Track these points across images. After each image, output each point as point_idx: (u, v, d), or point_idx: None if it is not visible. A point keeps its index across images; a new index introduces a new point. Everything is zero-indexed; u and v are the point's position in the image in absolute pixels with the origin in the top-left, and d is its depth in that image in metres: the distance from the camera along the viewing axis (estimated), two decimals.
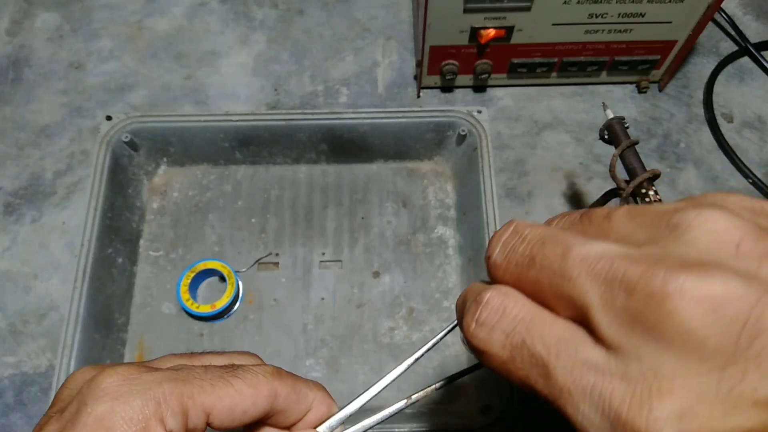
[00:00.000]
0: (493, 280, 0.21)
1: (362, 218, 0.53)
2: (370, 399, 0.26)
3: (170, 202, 0.54)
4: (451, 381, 0.26)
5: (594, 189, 0.55)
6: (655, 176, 0.40)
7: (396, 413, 0.26)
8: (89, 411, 0.20)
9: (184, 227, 0.53)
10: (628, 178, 0.41)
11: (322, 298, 0.50)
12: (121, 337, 0.49)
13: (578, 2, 0.49)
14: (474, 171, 0.51)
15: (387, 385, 0.26)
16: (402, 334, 0.49)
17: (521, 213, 0.54)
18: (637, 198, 0.40)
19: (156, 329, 0.49)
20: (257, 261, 0.51)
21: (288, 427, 0.25)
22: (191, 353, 0.26)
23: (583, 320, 0.18)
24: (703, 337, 0.15)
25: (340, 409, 0.26)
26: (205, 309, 0.48)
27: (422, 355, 0.26)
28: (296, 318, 0.50)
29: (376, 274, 0.51)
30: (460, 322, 0.21)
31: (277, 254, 0.52)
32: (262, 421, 0.24)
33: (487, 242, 0.47)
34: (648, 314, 0.16)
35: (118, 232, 0.50)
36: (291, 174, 0.55)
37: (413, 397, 0.26)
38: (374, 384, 0.26)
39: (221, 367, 0.23)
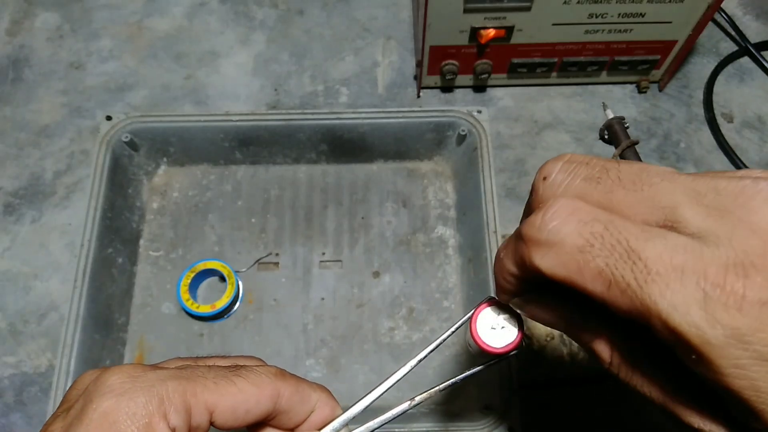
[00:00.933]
0: (543, 201, 0.21)
1: (362, 218, 0.53)
2: (374, 401, 0.26)
3: (170, 202, 0.54)
4: (454, 384, 0.26)
5: None
6: None
7: (399, 415, 0.26)
8: (94, 407, 0.20)
9: (184, 227, 0.53)
10: None
11: (322, 298, 0.50)
12: (121, 337, 0.49)
13: (578, 2, 0.49)
14: (474, 171, 0.51)
15: (389, 388, 0.26)
16: (402, 334, 0.49)
17: (521, 213, 0.54)
18: None
19: (156, 329, 0.49)
20: (257, 261, 0.51)
21: (291, 429, 0.25)
22: (196, 357, 0.26)
23: (666, 221, 0.18)
24: None
25: (344, 410, 0.26)
26: (205, 309, 0.48)
27: (425, 356, 0.26)
28: (296, 318, 0.50)
29: (376, 274, 0.51)
30: (518, 240, 0.20)
31: (277, 254, 0.52)
32: (266, 422, 0.24)
33: (487, 242, 0.47)
34: (737, 207, 0.17)
35: (118, 232, 0.50)
36: (291, 174, 0.55)
37: (417, 398, 0.26)
38: (377, 386, 0.26)
39: (225, 366, 0.24)
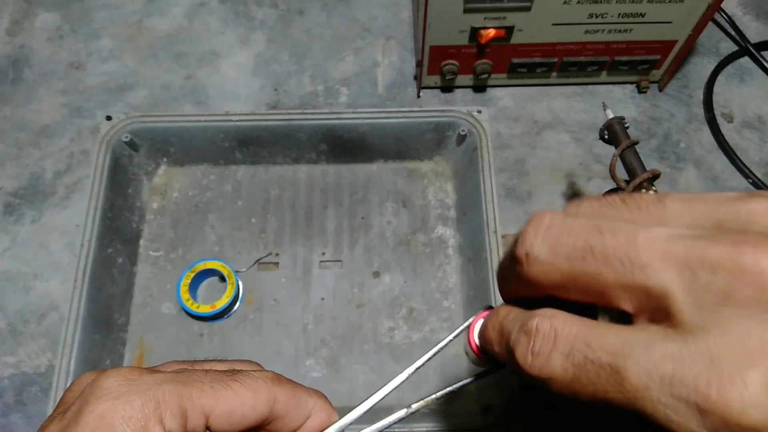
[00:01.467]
0: (529, 279, 0.20)
1: (362, 218, 0.53)
2: (370, 408, 0.26)
3: (170, 202, 0.54)
4: (451, 392, 0.26)
5: (594, 189, 0.55)
6: (655, 176, 0.40)
7: (395, 422, 0.26)
8: (90, 410, 0.20)
9: (184, 227, 0.53)
10: (628, 178, 0.41)
11: (322, 298, 0.50)
12: (121, 337, 0.49)
13: (578, 2, 0.49)
14: (474, 171, 0.51)
15: (386, 395, 0.26)
16: (402, 334, 0.49)
17: (521, 213, 0.54)
18: None
19: (156, 329, 0.49)
20: (257, 261, 0.51)
21: None
22: (193, 360, 0.26)
23: (654, 311, 0.17)
24: None
25: (340, 417, 0.26)
26: (205, 309, 0.48)
27: (422, 365, 0.26)
28: (296, 318, 0.50)
29: (376, 274, 0.51)
30: (512, 359, 0.20)
31: (277, 254, 0.52)
32: (261, 427, 0.24)
33: (487, 242, 0.47)
34: (738, 291, 0.15)
35: (118, 232, 0.50)
36: (291, 174, 0.55)
37: (413, 406, 0.26)
38: (374, 393, 0.26)
39: (222, 371, 0.24)
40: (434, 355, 0.26)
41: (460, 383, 0.26)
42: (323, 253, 0.52)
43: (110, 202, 0.50)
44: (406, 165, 0.56)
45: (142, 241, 0.52)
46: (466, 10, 0.49)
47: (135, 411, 0.20)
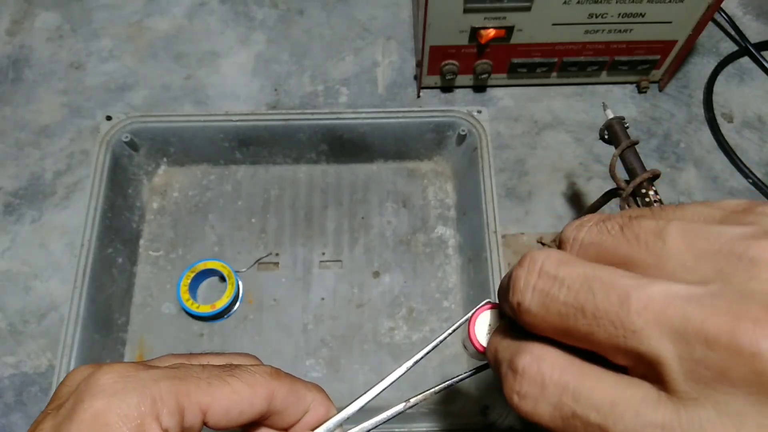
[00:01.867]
0: (523, 324, 0.19)
1: (362, 218, 0.53)
2: (368, 402, 0.26)
3: (170, 202, 0.54)
4: (450, 386, 0.26)
5: (594, 189, 0.55)
6: (655, 176, 0.40)
7: (394, 416, 0.26)
8: (85, 407, 0.20)
9: (184, 227, 0.53)
10: (628, 178, 0.41)
11: (322, 298, 0.50)
12: (121, 337, 0.49)
13: (578, 2, 0.49)
14: (474, 171, 0.51)
15: (385, 389, 0.26)
16: (402, 334, 0.49)
17: (521, 213, 0.54)
18: (637, 198, 0.40)
19: (156, 329, 0.49)
20: (257, 261, 0.51)
21: (285, 429, 0.25)
22: (190, 354, 0.26)
23: (647, 372, 0.16)
24: None
25: (339, 411, 0.26)
26: (205, 309, 0.48)
27: (421, 358, 0.26)
28: (296, 318, 0.50)
29: (376, 274, 0.51)
30: (503, 385, 0.20)
31: (277, 254, 0.52)
32: (260, 422, 0.24)
33: (487, 242, 0.47)
34: (734, 370, 0.15)
35: (118, 232, 0.50)
36: (291, 174, 0.55)
37: (412, 400, 0.26)
38: (372, 387, 0.26)
39: (219, 366, 0.23)
40: (434, 348, 0.26)
41: (460, 376, 0.26)
42: (323, 253, 0.52)
43: (110, 202, 0.50)
44: (406, 165, 0.56)
45: (142, 241, 0.52)
46: (466, 10, 0.49)
47: (131, 409, 0.20)
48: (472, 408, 0.46)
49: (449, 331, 0.26)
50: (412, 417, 0.44)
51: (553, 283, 0.18)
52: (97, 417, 0.20)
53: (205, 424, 0.22)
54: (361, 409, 0.26)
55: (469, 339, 0.25)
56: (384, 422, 0.26)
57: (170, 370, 0.22)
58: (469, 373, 0.26)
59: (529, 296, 0.18)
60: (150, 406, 0.20)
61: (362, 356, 0.49)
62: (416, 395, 0.26)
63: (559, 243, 0.21)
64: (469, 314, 0.25)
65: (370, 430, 0.26)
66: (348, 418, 0.25)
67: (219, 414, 0.22)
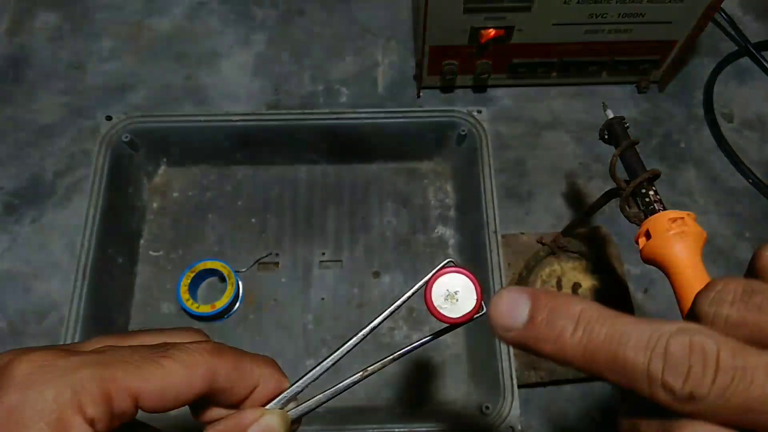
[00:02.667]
0: (680, 412, 0.17)
1: (362, 218, 0.53)
2: (322, 373, 0.25)
3: (170, 202, 0.54)
4: (409, 352, 0.26)
5: (594, 189, 0.55)
6: (655, 176, 0.40)
7: (351, 386, 0.25)
8: None
9: (184, 227, 0.53)
10: (628, 178, 0.41)
11: (322, 298, 0.50)
12: None
13: (578, 2, 0.49)
14: (474, 171, 0.51)
15: (339, 359, 0.25)
16: (402, 334, 0.49)
17: (521, 213, 0.54)
18: (638, 198, 0.40)
19: None
20: (257, 261, 0.51)
21: (236, 405, 0.23)
22: (122, 334, 0.24)
23: None
24: None
25: (291, 384, 0.25)
26: (205, 309, 0.48)
27: (379, 324, 0.26)
28: (296, 318, 0.50)
29: (376, 274, 0.51)
30: None
31: (277, 254, 0.52)
32: (206, 399, 0.22)
33: (487, 242, 0.47)
34: None
35: (118, 232, 0.50)
36: (291, 174, 0.55)
37: (369, 369, 0.25)
38: (326, 358, 0.25)
39: (152, 346, 0.22)
40: (393, 312, 0.26)
41: (417, 343, 0.26)
42: (323, 253, 0.52)
43: (110, 202, 0.50)
44: (406, 165, 0.56)
45: (142, 241, 0.52)
46: (466, 10, 0.49)
47: (47, 402, 0.19)
48: (472, 408, 0.46)
49: (409, 293, 0.26)
50: (412, 417, 0.44)
51: (734, 374, 0.16)
52: (10, 414, 0.18)
53: (141, 408, 0.21)
54: (315, 380, 0.25)
55: (425, 301, 0.25)
56: (341, 393, 0.25)
57: (94, 356, 0.20)
58: (428, 338, 0.26)
59: (707, 388, 0.16)
60: (70, 397, 0.19)
61: (362, 356, 0.49)
62: (373, 363, 0.25)
63: (696, 316, 0.19)
64: (428, 276, 0.25)
65: (325, 402, 0.25)
66: (302, 390, 0.24)
67: (153, 398, 0.20)
